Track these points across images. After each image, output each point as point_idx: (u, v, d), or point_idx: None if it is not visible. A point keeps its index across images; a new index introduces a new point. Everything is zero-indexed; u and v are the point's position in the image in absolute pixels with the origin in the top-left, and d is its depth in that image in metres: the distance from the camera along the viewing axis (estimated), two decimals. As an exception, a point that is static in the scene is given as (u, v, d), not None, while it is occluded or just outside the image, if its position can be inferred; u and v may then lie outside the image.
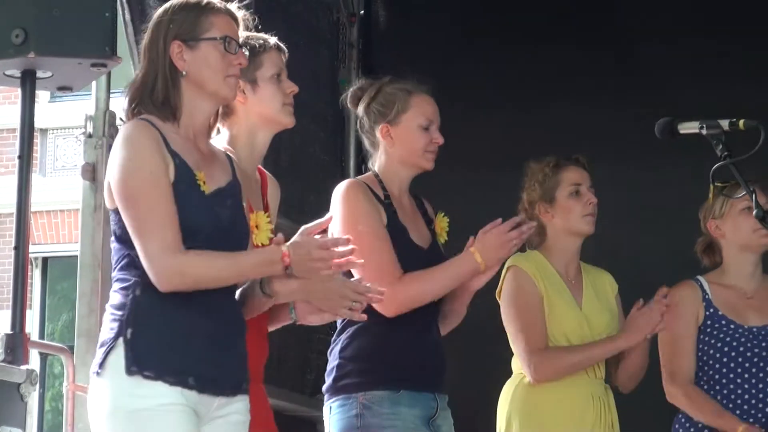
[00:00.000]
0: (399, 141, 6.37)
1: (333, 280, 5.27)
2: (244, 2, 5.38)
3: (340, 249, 5.23)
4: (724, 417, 7.04)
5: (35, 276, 21.96)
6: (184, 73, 4.98)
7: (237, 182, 5.23)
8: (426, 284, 6.28)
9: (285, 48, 5.94)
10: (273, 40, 5.88)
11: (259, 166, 5.92)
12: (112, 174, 4.94)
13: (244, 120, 5.75)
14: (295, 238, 5.11)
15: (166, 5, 5.19)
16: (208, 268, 4.92)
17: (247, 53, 5.29)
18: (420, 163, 6.38)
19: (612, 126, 8.49)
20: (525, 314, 7.00)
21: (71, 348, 7.76)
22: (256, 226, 5.50)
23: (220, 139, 5.64)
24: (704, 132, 5.79)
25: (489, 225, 6.04)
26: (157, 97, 4.98)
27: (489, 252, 6.16)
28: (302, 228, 5.26)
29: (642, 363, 7.18)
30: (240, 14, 5.22)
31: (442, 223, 6.55)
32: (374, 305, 5.88)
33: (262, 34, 5.83)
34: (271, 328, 5.86)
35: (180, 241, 4.84)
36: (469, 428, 6.95)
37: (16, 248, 6.75)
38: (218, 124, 5.58)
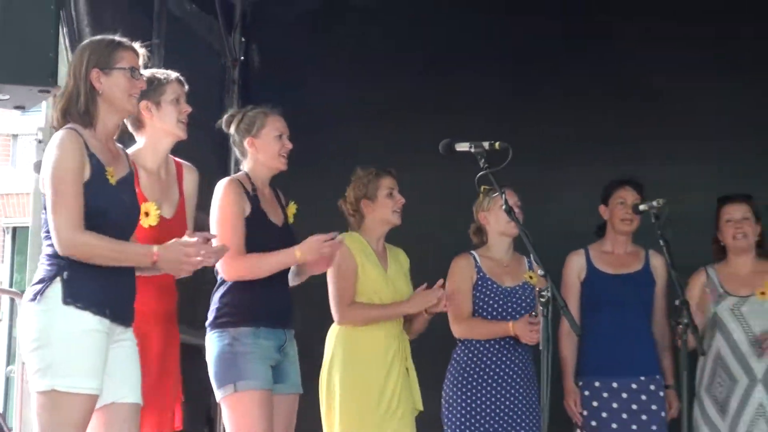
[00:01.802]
0: (261, 149, 6.45)
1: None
2: (147, 43, 5.38)
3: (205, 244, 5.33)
4: (498, 325, 7.19)
5: (7, 240, 23.80)
6: (100, 92, 5.06)
7: (132, 171, 5.35)
8: (258, 263, 6.33)
9: (184, 81, 6.05)
10: (174, 74, 6.03)
11: (177, 159, 6.12)
12: (44, 167, 5.05)
13: (150, 131, 5.87)
14: (172, 242, 5.17)
15: (89, 40, 5.37)
16: (95, 248, 4.96)
17: (145, 79, 5.41)
18: (276, 164, 6.49)
19: (417, 140, 8.04)
20: (341, 278, 7.10)
21: (23, 292, 7.48)
22: (146, 213, 5.60)
23: (135, 145, 5.88)
24: (472, 150, 5.98)
25: (318, 235, 6.17)
26: (80, 108, 5.05)
27: (307, 252, 6.24)
28: (187, 234, 5.37)
29: (421, 328, 7.32)
30: (142, 51, 5.28)
31: (291, 208, 6.60)
32: (218, 269, 6.25)
33: (167, 70, 6.06)
34: None
35: (81, 222, 4.95)
36: (309, 354, 6.80)
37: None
38: (134, 133, 5.86)
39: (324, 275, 7.10)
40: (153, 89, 5.91)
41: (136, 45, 5.36)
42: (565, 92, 9.14)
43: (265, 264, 6.38)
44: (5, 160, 25.10)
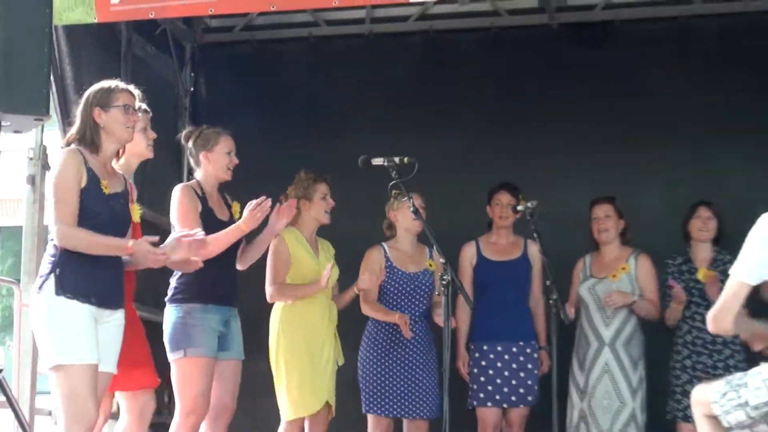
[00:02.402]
0: (213, 162, 6.63)
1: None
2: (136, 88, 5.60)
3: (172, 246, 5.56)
4: (388, 314, 7.32)
5: (-8, 237, 23.81)
6: (102, 126, 5.37)
7: (128, 191, 5.61)
8: (217, 241, 6.41)
9: (149, 110, 6.25)
10: (142, 105, 6.11)
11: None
12: (49, 177, 5.39)
13: (126, 155, 5.88)
14: (143, 239, 5.39)
15: (91, 88, 5.53)
16: (83, 241, 5.22)
17: (140, 115, 5.73)
18: (224, 176, 6.67)
19: (342, 155, 7.86)
20: (275, 264, 7.24)
21: (18, 280, 7.43)
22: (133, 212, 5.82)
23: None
24: (385, 164, 6.14)
25: (253, 202, 6.31)
26: (87, 140, 5.36)
27: (249, 221, 6.38)
28: (171, 237, 5.68)
29: (348, 301, 7.51)
30: (136, 92, 5.53)
31: (235, 207, 6.73)
32: None
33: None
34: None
35: (75, 220, 5.25)
36: (253, 329, 7.03)
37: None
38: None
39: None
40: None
41: (131, 87, 5.60)
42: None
43: (222, 240, 6.45)
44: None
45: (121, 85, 5.58)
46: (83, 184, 5.28)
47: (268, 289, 7.19)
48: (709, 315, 5.17)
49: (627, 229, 7.65)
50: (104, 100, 5.45)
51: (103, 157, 5.44)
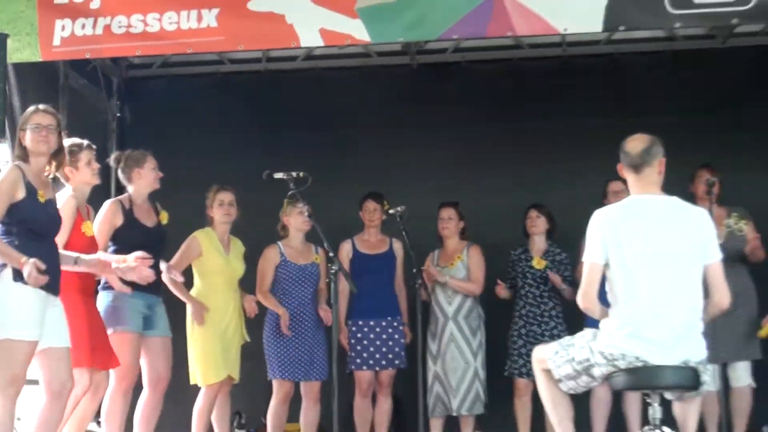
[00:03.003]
0: (144, 177, 6.70)
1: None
2: (50, 108, 5.50)
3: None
4: (279, 308, 7.36)
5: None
6: (24, 144, 5.33)
7: (54, 199, 5.52)
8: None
9: (92, 144, 6.31)
10: (86, 142, 6.25)
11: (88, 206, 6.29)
12: None
13: (74, 184, 6.09)
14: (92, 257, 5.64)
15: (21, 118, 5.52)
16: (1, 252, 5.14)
17: (85, 151, 5.93)
18: (154, 185, 6.75)
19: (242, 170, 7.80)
20: (184, 258, 7.23)
21: None
22: (85, 227, 6.05)
23: (67, 189, 6.08)
24: (285, 177, 6.26)
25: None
26: (20, 155, 5.35)
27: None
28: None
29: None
30: (49, 110, 5.41)
31: (163, 215, 6.77)
32: None
33: (80, 140, 6.26)
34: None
35: None
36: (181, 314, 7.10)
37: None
38: (64, 183, 6.04)
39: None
40: (71, 158, 6.01)
41: (42, 107, 5.45)
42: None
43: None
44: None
45: (33, 108, 5.49)
46: (22, 196, 5.25)
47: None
48: (578, 296, 5.22)
49: (466, 228, 7.82)
50: (24, 122, 5.41)
51: (34, 168, 5.37)
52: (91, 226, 6.18)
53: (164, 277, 6.91)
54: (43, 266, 5.09)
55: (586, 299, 5.18)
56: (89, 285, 6.16)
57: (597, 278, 5.15)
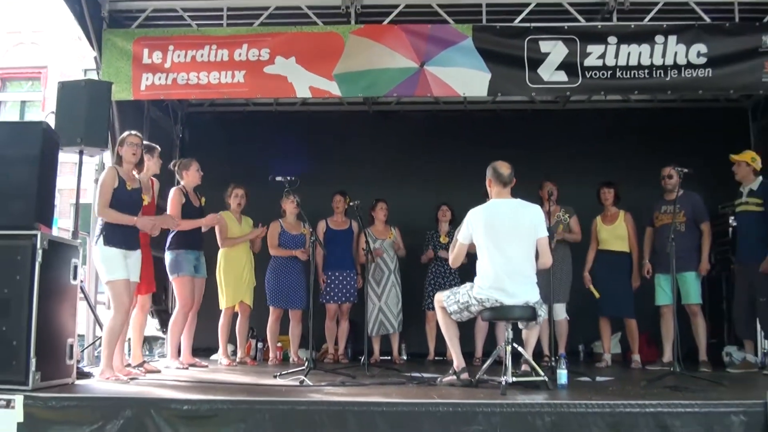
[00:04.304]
0: (190, 175, 6.64)
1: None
2: (139, 133, 5.48)
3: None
4: (290, 252, 7.17)
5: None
6: (121, 155, 5.34)
7: (140, 187, 5.44)
8: (186, 223, 6.32)
9: (158, 148, 6.15)
10: (158, 147, 6.19)
11: (152, 178, 6.07)
12: (100, 179, 5.27)
13: (145, 171, 5.81)
14: (145, 217, 5.34)
15: (120, 136, 5.43)
16: (110, 215, 5.17)
17: (142, 151, 5.49)
18: (197, 182, 6.64)
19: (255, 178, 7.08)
20: (219, 230, 7.03)
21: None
22: (143, 199, 5.64)
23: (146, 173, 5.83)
24: (282, 179, 5.98)
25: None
26: (117, 162, 5.34)
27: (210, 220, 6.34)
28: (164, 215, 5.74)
29: (259, 247, 7.33)
30: (138, 135, 5.43)
31: (202, 200, 6.63)
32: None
33: (153, 144, 6.20)
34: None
35: (108, 203, 5.15)
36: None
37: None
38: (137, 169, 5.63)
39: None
40: (148, 152, 5.95)
41: (134, 132, 5.48)
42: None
43: (186, 225, 6.35)
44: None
45: (128, 132, 5.47)
46: (116, 184, 5.23)
47: (219, 240, 7.05)
48: (450, 259, 5.32)
49: (389, 217, 7.54)
50: (122, 141, 5.43)
51: (125, 170, 5.36)
52: (146, 198, 5.79)
53: (225, 244, 6.99)
54: (154, 220, 5.22)
55: (455, 262, 5.34)
56: (147, 239, 5.95)
57: (463, 251, 5.20)
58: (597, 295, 6.91)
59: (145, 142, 5.96)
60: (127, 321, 5.43)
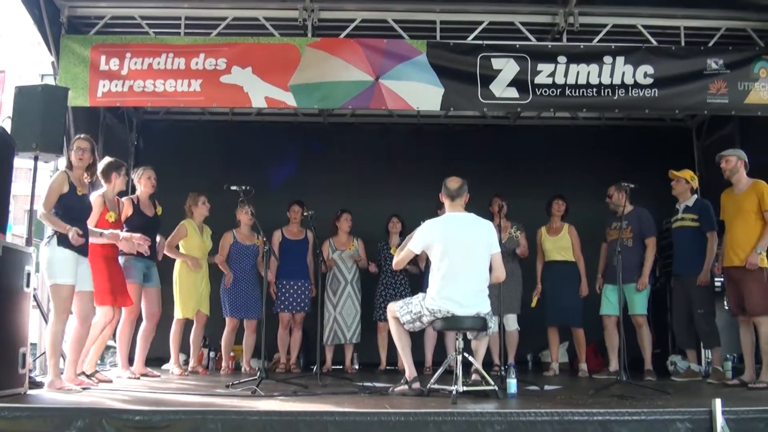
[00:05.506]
0: (144, 184, 6.51)
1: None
2: (88, 136, 5.29)
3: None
4: (227, 270, 7.10)
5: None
6: (71, 159, 5.15)
7: (88, 194, 5.29)
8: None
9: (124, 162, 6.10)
10: (124, 164, 6.13)
11: (117, 197, 6.04)
12: (48, 185, 5.09)
13: (110, 187, 5.90)
14: (109, 231, 5.37)
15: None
16: (51, 221, 4.98)
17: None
18: (149, 191, 6.51)
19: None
20: (176, 237, 6.91)
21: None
22: (110, 216, 5.75)
23: (102, 189, 5.86)
24: (236, 189, 5.72)
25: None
26: (68, 166, 5.15)
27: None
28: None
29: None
30: (86, 138, 5.21)
31: (158, 208, 6.46)
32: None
33: (118, 160, 6.08)
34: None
35: (52, 207, 4.97)
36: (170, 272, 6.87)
37: None
38: (103, 184, 5.80)
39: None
40: (114, 169, 5.93)
41: (82, 135, 5.31)
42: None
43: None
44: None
45: (77, 136, 5.34)
46: (65, 189, 5.07)
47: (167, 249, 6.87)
48: (394, 263, 5.29)
49: (352, 228, 7.54)
50: (71, 145, 5.29)
51: (76, 174, 5.22)
52: (113, 215, 5.93)
53: (165, 250, 6.84)
54: (81, 232, 4.97)
55: (397, 266, 5.33)
56: (113, 251, 5.94)
57: (409, 258, 5.21)
58: (533, 303, 6.97)
59: (113, 159, 5.94)
60: (87, 331, 5.34)
